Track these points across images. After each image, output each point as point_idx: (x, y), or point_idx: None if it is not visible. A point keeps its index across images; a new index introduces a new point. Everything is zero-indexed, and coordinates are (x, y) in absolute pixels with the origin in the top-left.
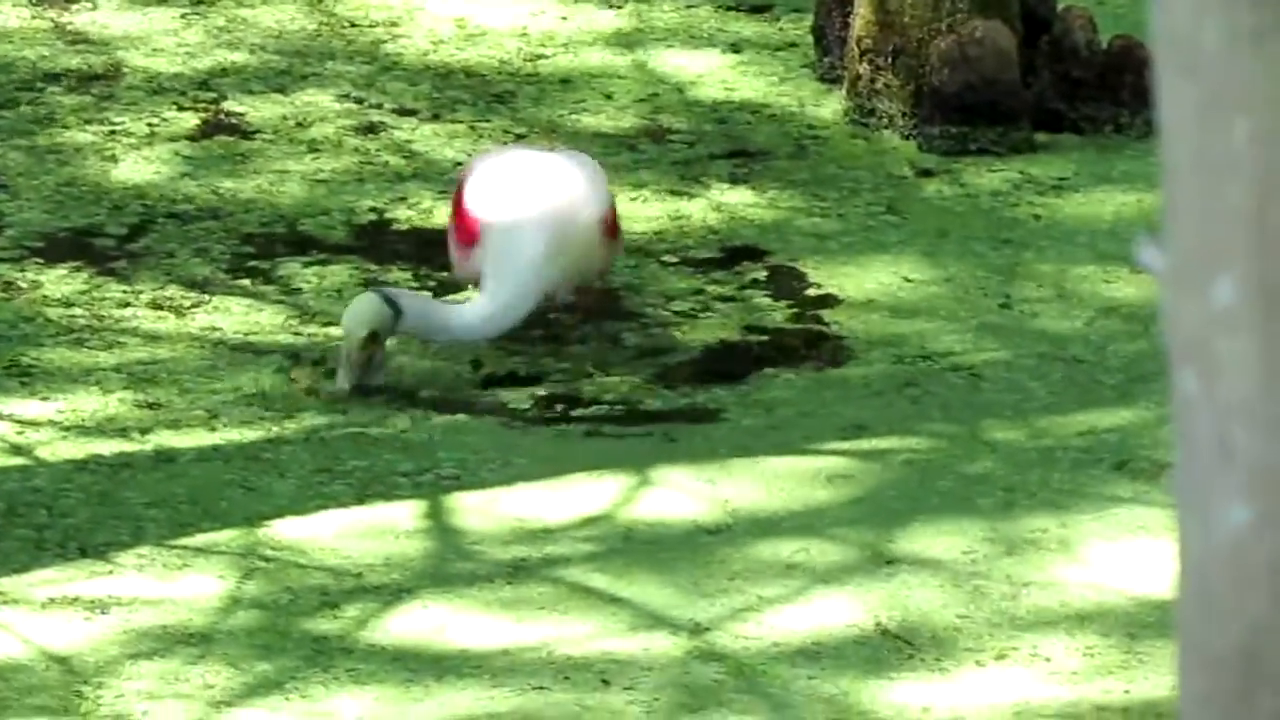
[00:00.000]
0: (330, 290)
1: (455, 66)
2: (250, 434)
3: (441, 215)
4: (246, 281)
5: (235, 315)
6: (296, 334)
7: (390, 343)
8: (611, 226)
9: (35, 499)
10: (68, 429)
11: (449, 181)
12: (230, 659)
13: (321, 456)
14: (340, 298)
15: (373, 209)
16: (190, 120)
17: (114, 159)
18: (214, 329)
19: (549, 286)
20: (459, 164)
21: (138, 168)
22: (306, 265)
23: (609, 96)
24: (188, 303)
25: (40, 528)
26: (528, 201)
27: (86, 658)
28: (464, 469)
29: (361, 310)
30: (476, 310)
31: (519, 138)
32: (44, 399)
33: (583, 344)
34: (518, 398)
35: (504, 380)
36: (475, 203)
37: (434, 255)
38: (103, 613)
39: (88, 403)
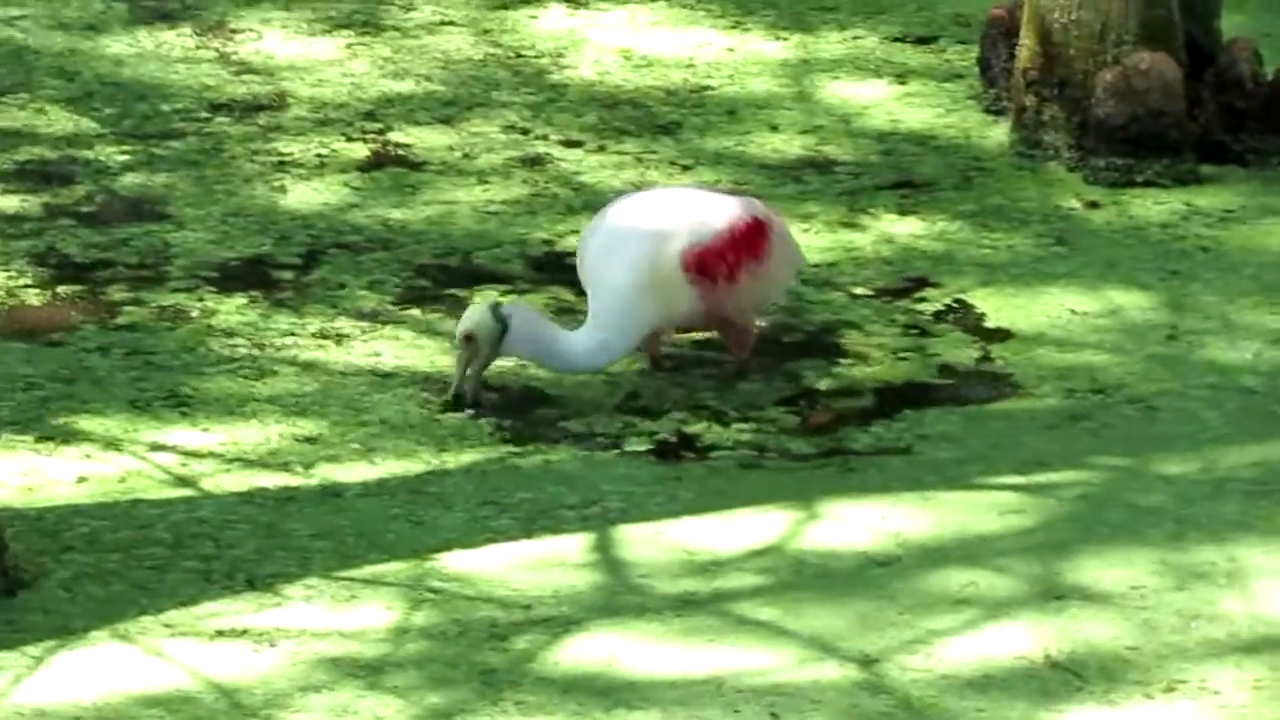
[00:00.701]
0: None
1: (621, 97)
2: (413, 467)
3: None
4: (416, 312)
5: (402, 345)
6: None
7: (511, 365)
8: (700, 263)
9: (201, 531)
10: (230, 460)
11: None
12: (399, 691)
13: (486, 489)
14: None
15: (544, 240)
16: (359, 151)
17: (282, 189)
18: (377, 359)
19: (650, 321)
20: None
21: (306, 197)
22: (478, 297)
23: (774, 127)
24: (355, 334)
25: (207, 559)
26: (621, 235)
27: (255, 690)
28: (630, 501)
29: (467, 314)
30: (579, 340)
31: (685, 169)
32: (205, 430)
33: (744, 377)
34: (674, 429)
35: (664, 411)
36: (586, 235)
37: None
38: (271, 645)
39: (249, 434)
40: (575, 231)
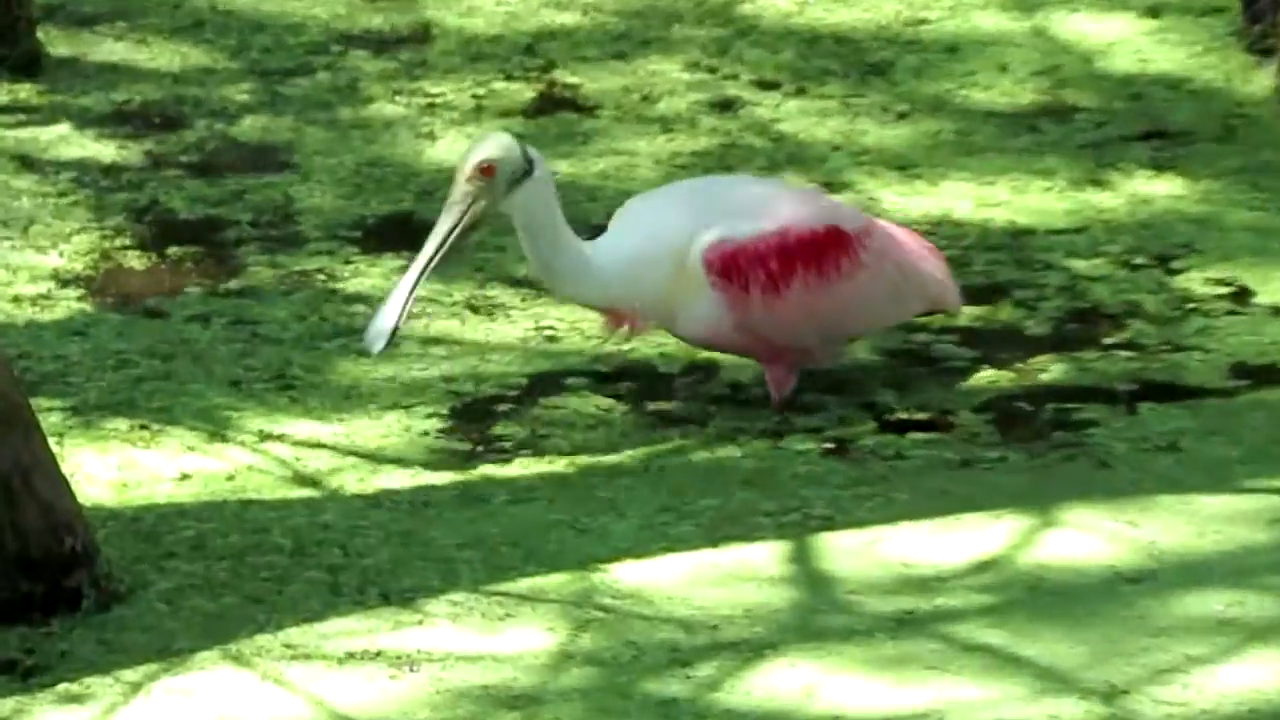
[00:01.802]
0: None
1: (823, 31)
2: (579, 462)
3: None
4: None
5: (567, 322)
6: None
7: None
8: (725, 262)
9: (326, 536)
10: (355, 454)
11: (825, 170)
12: None
13: (665, 492)
14: None
15: None
16: (521, 92)
17: (431, 136)
18: (535, 336)
19: (640, 295)
20: (836, 148)
21: (459, 147)
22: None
23: (1004, 68)
24: (510, 306)
25: (334, 569)
26: (664, 206)
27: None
28: (836, 507)
29: (486, 141)
30: (578, 253)
31: (900, 117)
32: (322, 419)
33: (975, 363)
34: (872, 423)
35: (870, 405)
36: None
37: None
38: (410, 670)
39: (377, 424)
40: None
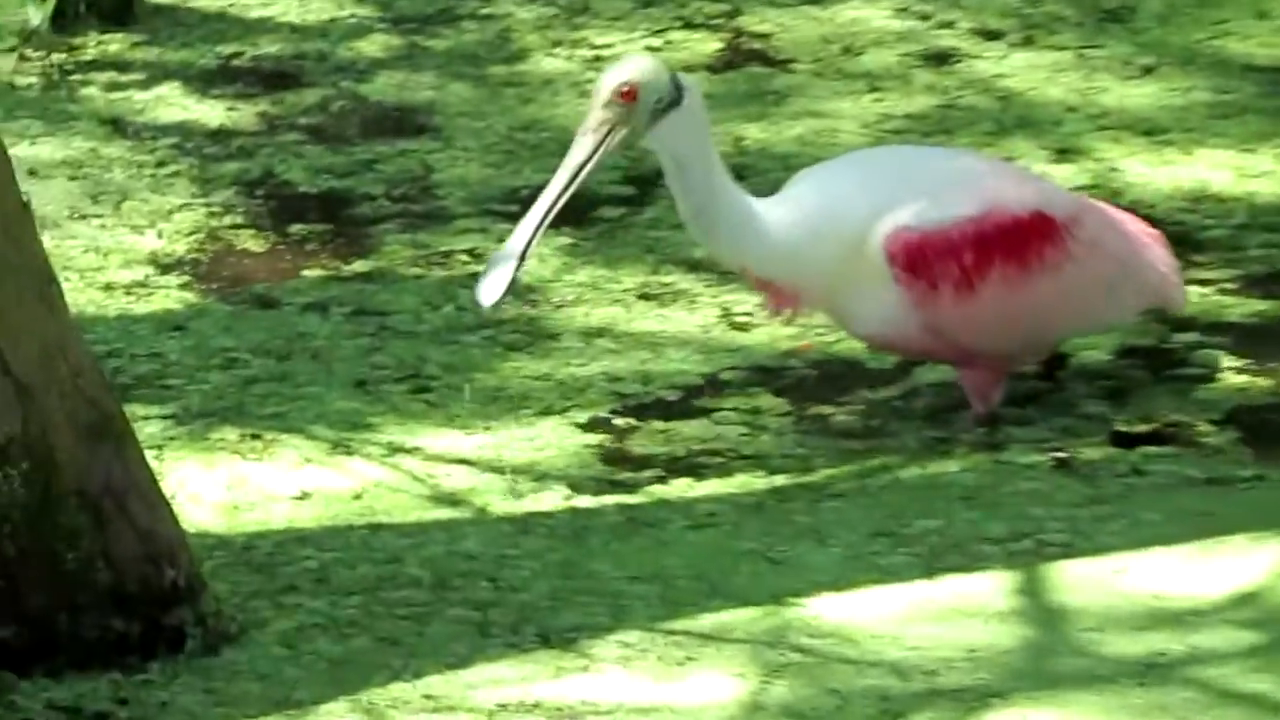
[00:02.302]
0: None
1: None
2: (771, 481)
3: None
4: None
5: (756, 315)
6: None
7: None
8: (910, 254)
9: (471, 567)
10: (503, 470)
11: (1059, 134)
12: None
13: (877, 515)
14: None
15: None
16: (703, 43)
17: None
18: (722, 326)
19: (805, 268)
20: (1071, 109)
21: None
22: None
23: (1263, 14)
24: (688, 293)
25: (482, 606)
26: (845, 176)
27: None
28: (1075, 531)
29: (630, 63)
30: (749, 202)
31: (1145, 71)
32: (464, 427)
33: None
34: (1102, 434)
35: (1092, 414)
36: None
37: None
38: None
39: (529, 432)
40: (1008, 158)
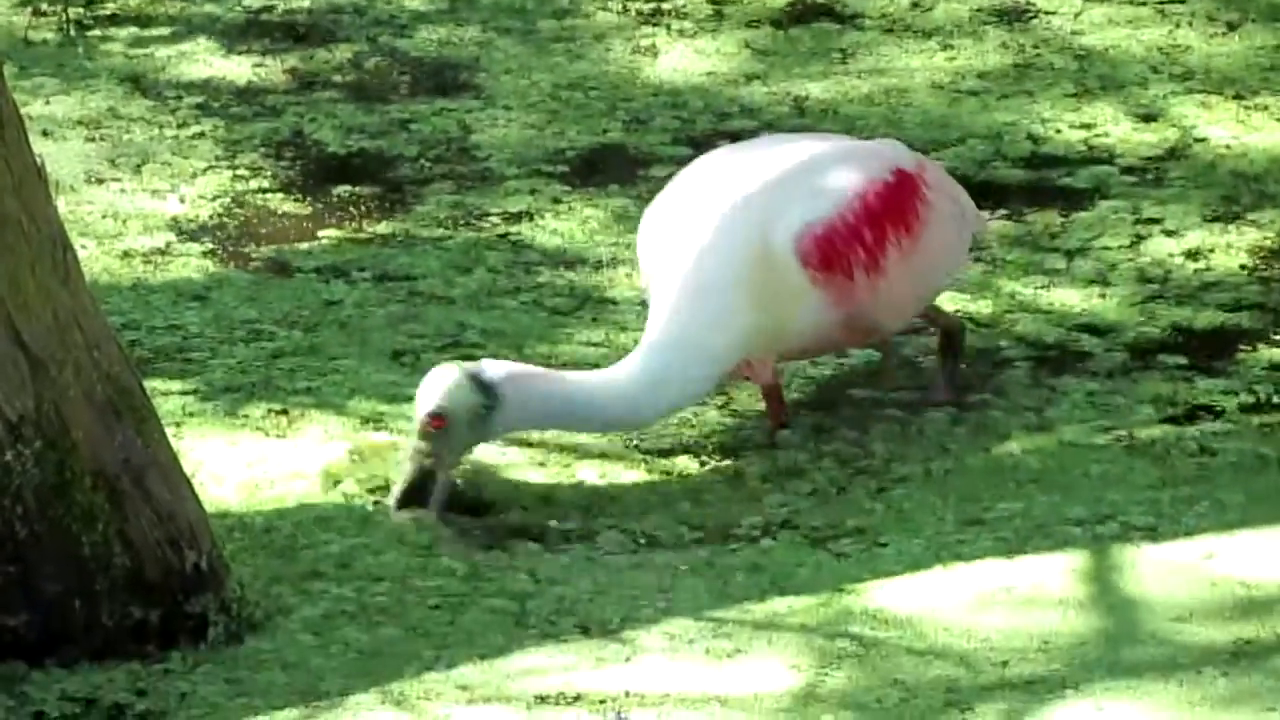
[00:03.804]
0: (999, 260)
1: None
2: (832, 465)
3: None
4: None
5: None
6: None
7: None
8: (822, 250)
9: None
10: (550, 446)
11: (1143, 97)
12: None
13: (953, 498)
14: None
15: (1035, 137)
16: None
17: (653, 51)
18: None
19: (745, 342)
20: (1154, 69)
21: (685, 63)
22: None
23: None
24: None
25: (519, 595)
26: (702, 218)
27: None
28: (1158, 514)
29: (432, 382)
30: (622, 381)
31: (1228, 28)
32: None
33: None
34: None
35: (1135, 389)
36: (646, 227)
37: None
38: (618, 717)
39: None
40: (1085, 126)
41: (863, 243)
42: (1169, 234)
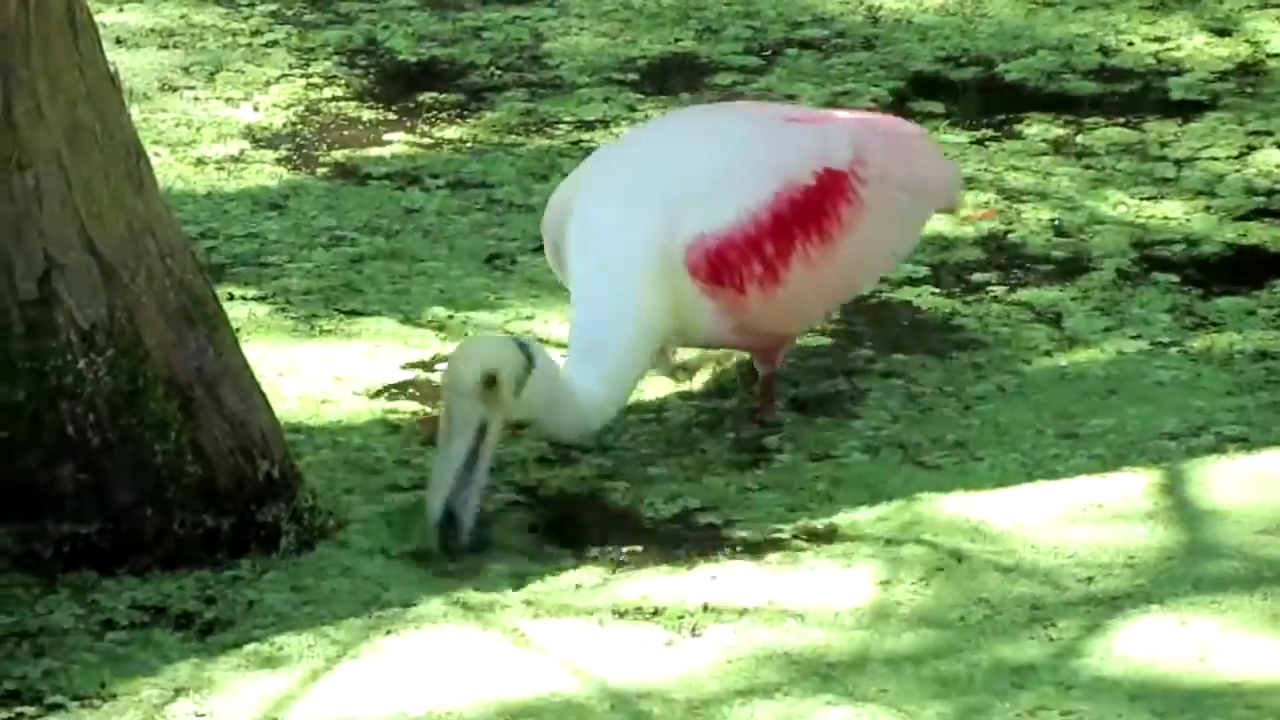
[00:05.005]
0: (1106, 167)
1: None
2: (916, 388)
3: None
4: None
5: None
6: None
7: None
8: (714, 264)
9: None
10: None
11: (1218, 10)
12: (870, 697)
13: (1023, 407)
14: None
15: (1104, 51)
16: None
17: None
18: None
19: (658, 340)
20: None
21: None
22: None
23: None
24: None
25: (596, 502)
26: (602, 213)
27: (669, 696)
28: (1248, 424)
29: (480, 348)
30: (591, 385)
31: None
32: None
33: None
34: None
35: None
36: (551, 217)
37: None
38: (692, 633)
39: None
40: (1158, 39)
41: (761, 256)
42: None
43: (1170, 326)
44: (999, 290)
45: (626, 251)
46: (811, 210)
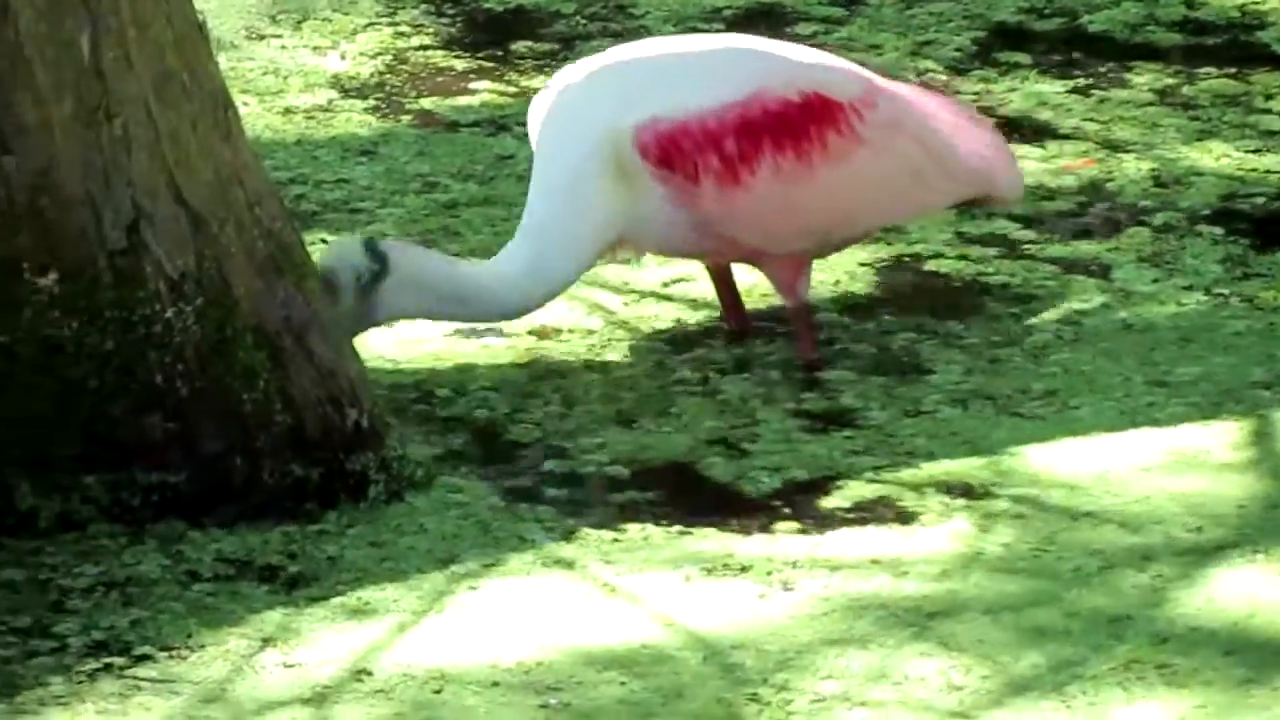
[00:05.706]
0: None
1: None
2: (998, 338)
3: None
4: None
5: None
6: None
7: None
8: (661, 146)
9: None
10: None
11: None
12: (964, 647)
13: (1112, 355)
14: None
15: (1188, 3)
16: None
17: None
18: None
19: (603, 232)
20: None
21: None
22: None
23: None
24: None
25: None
26: (574, 98)
27: (763, 647)
28: None
29: (331, 249)
30: (501, 269)
31: None
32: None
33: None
34: None
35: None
36: (532, 112)
37: None
38: (784, 586)
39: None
40: None
41: (719, 152)
42: None
43: (1221, 278)
44: (1034, 247)
45: (581, 131)
46: (789, 125)
